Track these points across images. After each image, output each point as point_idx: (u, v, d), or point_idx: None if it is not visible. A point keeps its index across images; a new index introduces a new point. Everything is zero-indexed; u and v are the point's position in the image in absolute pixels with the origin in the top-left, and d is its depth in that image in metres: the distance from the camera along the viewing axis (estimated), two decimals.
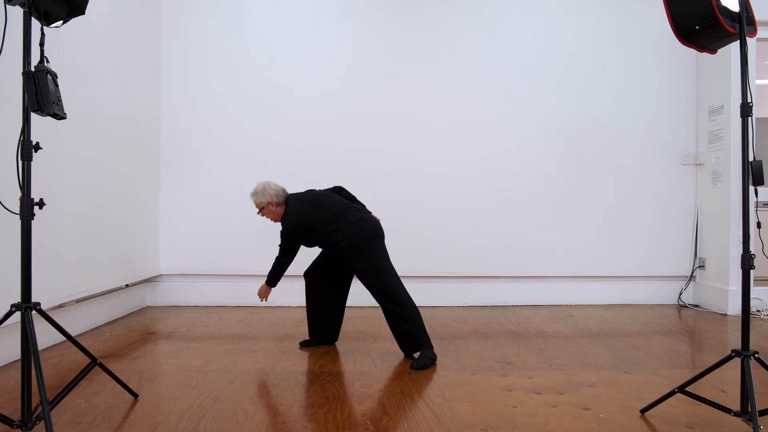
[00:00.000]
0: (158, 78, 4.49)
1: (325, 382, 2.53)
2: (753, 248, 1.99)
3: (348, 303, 3.35)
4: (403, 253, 4.59)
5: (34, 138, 1.82)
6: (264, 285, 3.13)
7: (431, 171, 4.59)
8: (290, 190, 4.50)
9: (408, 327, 2.83)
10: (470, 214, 4.63)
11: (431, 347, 2.85)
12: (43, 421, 1.69)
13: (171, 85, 4.52)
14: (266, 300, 3.15)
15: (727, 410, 1.97)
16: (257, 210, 3.05)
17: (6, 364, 2.73)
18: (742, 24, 1.95)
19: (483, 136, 4.64)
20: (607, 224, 4.73)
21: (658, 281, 4.77)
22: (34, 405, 1.81)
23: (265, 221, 4.53)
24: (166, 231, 4.53)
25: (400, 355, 3.02)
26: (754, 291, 4.17)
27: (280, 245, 3.00)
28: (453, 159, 4.61)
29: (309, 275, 3.16)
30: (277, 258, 3.04)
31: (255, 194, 3.02)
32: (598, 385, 2.50)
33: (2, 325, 1.92)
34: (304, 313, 4.20)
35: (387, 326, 3.75)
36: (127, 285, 4.04)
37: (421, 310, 2.99)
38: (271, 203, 3.00)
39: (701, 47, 2.15)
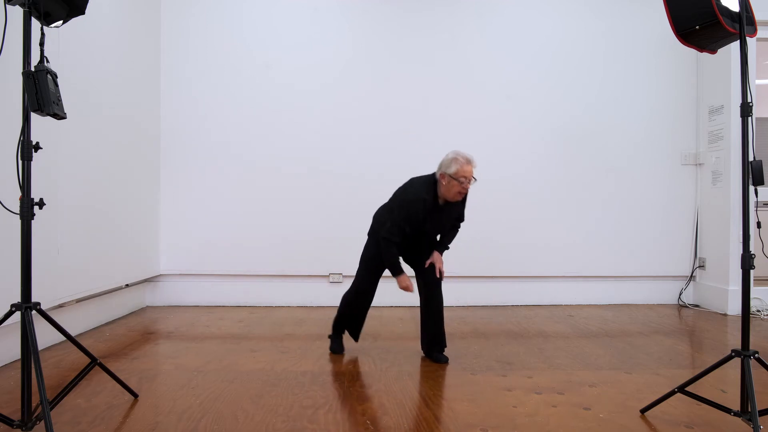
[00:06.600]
0: (158, 78, 4.49)
1: (325, 382, 2.53)
2: (753, 248, 1.99)
3: None
4: None
5: (34, 138, 1.82)
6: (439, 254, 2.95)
7: (430, 170, 4.58)
8: (292, 188, 4.55)
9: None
10: (470, 215, 4.61)
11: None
12: (43, 421, 1.69)
13: (171, 85, 4.52)
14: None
15: (727, 410, 1.97)
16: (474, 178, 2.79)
17: (6, 364, 2.73)
18: (742, 24, 1.95)
19: (482, 136, 4.63)
20: (607, 224, 4.73)
21: (658, 281, 4.77)
22: (34, 405, 1.81)
23: (263, 220, 4.55)
24: (166, 231, 4.52)
25: (400, 354, 3.03)
26: (754, 291, 4.17)
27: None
28: None
29: (371, 288, 3.02)
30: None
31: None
32: (598, 385, 2.50)
33: (2, 325, 1.92)
34: (303, 313, 4.21)
35: (387, 326, 3.76)
36: (127, 285, 4.04)
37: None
38: None
39: (701, 47, 2.15)
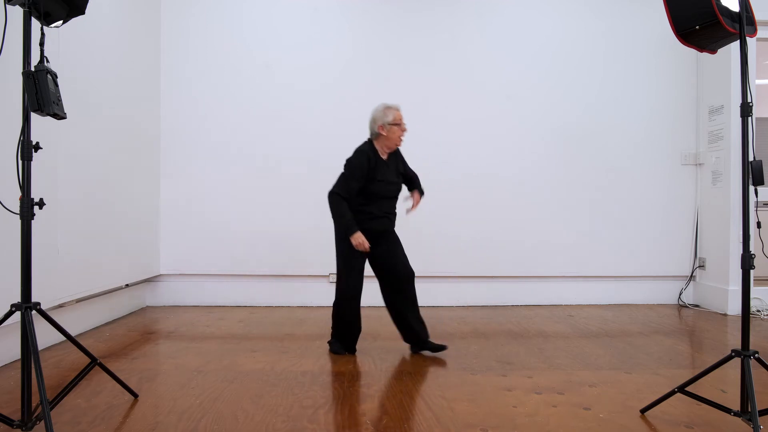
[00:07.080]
0: (158, 78, 4.48)
1: (325, 382, 2.53)
2: (753, 248, 1.99)
3: None
4: None
5: (34, 138, 1.82)
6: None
7: (430, 171, 4.57)
8: (290, 188, 4.55)
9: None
10: (469, 215, 4.63)
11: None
12: (43, 421, 1.69)
13: (171, 85, 4.52)
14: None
15: (727, 410, 1.97)
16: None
17: (6, 364, 2.73)
18: (742, 24, 1.95)
19: (482, 136, 4.63)
20: (607, 224, 4.72)
21: (658, 281, 4.77)
22: (34, 405, 1.81)
23: (264, 220, 4.54)
24: (166, 231, 4.52)
25: (400, 354, 3.03)
26: (754, 291, 4.16)
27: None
28: (451, 159, 4.61)
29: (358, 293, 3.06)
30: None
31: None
32: (598, 385, 2.50)
33: (2, 325, 1.92)
34: (303, 313, 4.21)
35: (387, 326, 3.75)
36: (127, 285, 4.04)
37: (421, 310, 3.01)
38: None
39: (701, 47, 2.15)
